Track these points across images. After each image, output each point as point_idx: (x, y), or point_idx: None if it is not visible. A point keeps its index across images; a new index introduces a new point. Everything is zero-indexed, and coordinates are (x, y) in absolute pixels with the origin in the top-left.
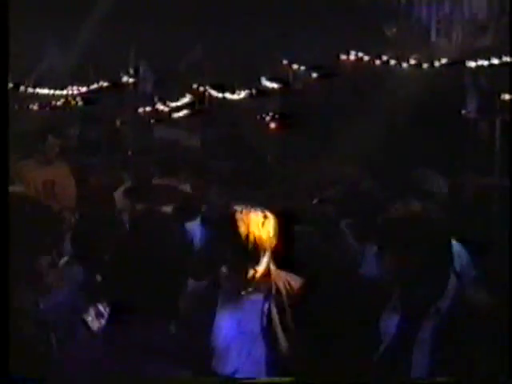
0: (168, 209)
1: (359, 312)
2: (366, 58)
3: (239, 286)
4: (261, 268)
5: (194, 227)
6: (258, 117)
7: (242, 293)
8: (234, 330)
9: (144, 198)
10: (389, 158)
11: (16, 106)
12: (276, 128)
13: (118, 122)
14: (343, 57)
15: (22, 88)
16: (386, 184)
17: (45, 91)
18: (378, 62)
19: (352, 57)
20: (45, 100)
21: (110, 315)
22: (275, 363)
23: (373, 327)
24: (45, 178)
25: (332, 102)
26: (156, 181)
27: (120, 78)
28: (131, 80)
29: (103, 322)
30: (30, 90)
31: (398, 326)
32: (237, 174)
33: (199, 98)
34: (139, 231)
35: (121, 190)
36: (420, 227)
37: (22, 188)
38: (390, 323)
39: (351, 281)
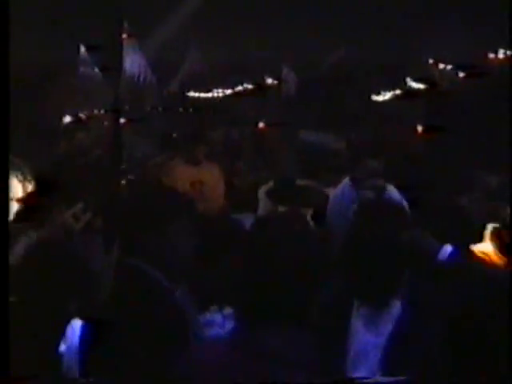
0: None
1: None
2: None
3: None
4: None
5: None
6: (405, 119)
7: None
8: (371, 335)
9: (287, 199)
10: None
11: (160, 109)
12: (423, 131)
13: (261, 124)
14: (491, 55)
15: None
16: None
17: (191, 94)
18: None
19: (501, 55)
20: (191, 103)
21: (236, 320)
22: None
23: None
24: (194, 178)
25: (481, 102)
26: (300, 182)
27: (264, 80)
28: (275, 82)
29: (228, 326)
30: (176, 92)
31: None
32: (383, 176)
33: (343, 100)
34: (273, 232)
35: (263, 190)
36: None
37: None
38: None
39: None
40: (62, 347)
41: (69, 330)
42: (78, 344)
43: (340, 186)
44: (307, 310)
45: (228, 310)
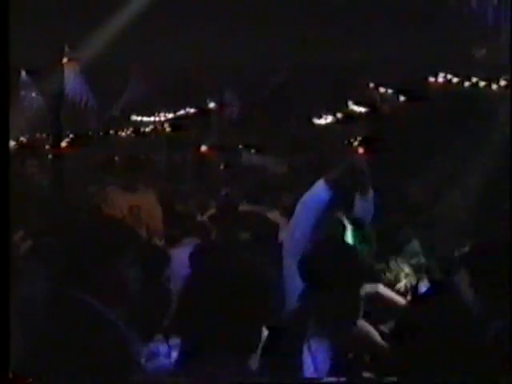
0: (247, 235)
1: None
2: (455, 79)
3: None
4: None
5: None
6: (346, 141)
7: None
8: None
9: (229, 224)
10: (480, 184)
11: (101, 133)
12: (364, 153)
13: (204, 148)
14: (431, 79)
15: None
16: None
17: (133, 117)
18: (467, 83)
19: (440, 79)
20: (133, 126)
21: (181, 351)
22: None
23: None
24: (131, 204)
25: (420, 125)
26: (243, 207)
27: (206, 103)
28: (217, 106)
29: (173, 357)
30: (118, 116)
31: None
32: None
33: (284, 124)
34: (216, 260)
35: (206, 216)
36: None
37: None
38: None
39: None
40: None
41: None
42: None
43: (313, 190)
44: (254, 337)
45: (174, 340)
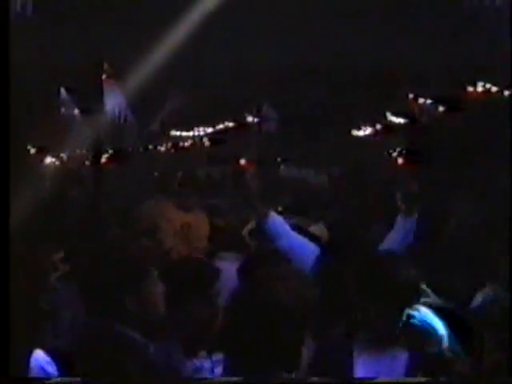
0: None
1: None
2: (494, 89)
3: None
4: None
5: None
6: (385, 153)
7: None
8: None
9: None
10: None
11: (141, 149)
12: (403, 164)
13: (243, 162)
14: (470, 88)
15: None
16: None
17: (172, 132)
18: (506, 93)
19: (479, 88)
20: (172, 141)
21: (225, 367)
22: None
23: None
24: (183, 221)
25: (460, 135)
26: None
27: (244, 117)
28: (255, 120)
29: (216, 373)
30: (157, 131)
31: None
32: (365, 211)
33: (323, 136)
34: (259, 275)
35: (246, 230)
36: None
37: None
38: None
39: None
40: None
41: (34, 363)
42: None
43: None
44: (298, 353)
45: (217, 356)
